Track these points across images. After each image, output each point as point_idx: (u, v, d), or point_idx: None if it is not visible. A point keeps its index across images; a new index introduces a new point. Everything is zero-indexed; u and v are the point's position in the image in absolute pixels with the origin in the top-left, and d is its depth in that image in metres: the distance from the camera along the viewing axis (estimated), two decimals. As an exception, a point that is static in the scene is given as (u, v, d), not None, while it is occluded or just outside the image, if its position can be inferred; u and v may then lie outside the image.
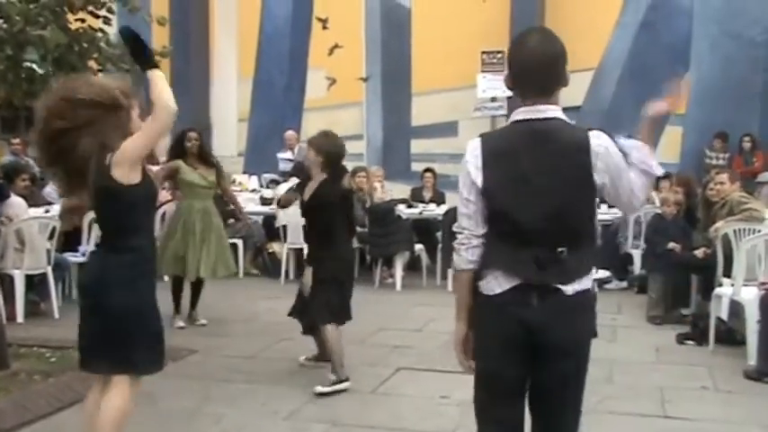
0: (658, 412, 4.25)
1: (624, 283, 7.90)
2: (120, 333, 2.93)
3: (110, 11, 4.94)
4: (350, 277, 4.82)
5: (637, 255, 7.87)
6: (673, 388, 4.65)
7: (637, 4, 11.28)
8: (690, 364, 5.20)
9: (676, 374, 4.97)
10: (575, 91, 11.24)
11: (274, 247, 8.61)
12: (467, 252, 2.37)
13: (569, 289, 2.29)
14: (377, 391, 4.60)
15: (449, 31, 11.35)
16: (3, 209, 6.44)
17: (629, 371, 4.99)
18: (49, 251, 6.30)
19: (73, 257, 6.68)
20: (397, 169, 11.42)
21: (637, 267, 7.86)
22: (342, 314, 4.67)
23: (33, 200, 7.06)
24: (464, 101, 11.24)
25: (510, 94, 2.57)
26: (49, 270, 6.30)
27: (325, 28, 9.76)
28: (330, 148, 4.72)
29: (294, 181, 6.19)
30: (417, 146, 11.99)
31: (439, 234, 8.17)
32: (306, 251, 5.24)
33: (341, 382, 4.50)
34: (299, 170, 6.37)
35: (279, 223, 8.28)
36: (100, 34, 4.83)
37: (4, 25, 4.40)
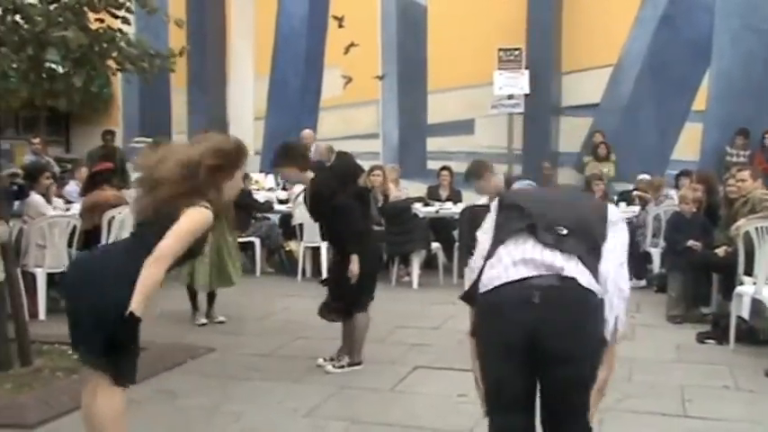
0: (679, 411, 4.21)
1: (643, 282, 7.84)
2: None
3: (128, 11, 4.98)
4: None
5: (656, 253, 7.81)
6: (693, 387, 4.61)
7: (656, -2, 11.16)
8: (711, 363, 5.15)
9: (697, 373, 4.93)
10: (592, 88, 11.23)
11: (291, 245, 8.64)
12: None
13: (570, 282, 2.27)
14: (395, 389, 4.61)
15: (465, 29, 11.30)
16: (23, 208, 6.53)
17: (649, 370, 4.95)
18: (69, 249, 6.36)
19: (92, 256, 6.73)
20: (413, 167, 11.41)
21: (656, 266, 7.80)
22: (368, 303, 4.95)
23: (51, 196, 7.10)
24: (480, 98, 11.19)
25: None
26: (70, 268, 6.36)
27: (341, 26, 9.74)
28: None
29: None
30: (433, 144, 11.96)
31: (455, 232, 8.15)
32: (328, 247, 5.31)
33: (357, 364, 4.84)
34: (317, 169, 6.38)
35: (295, 222, 8.31)
36: (119, 34, 4.86)
37: (26, 26, 4.45)
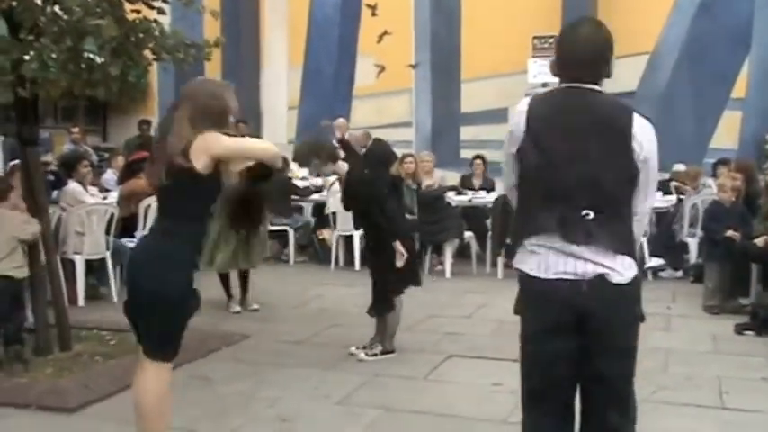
0: (716, 403, 4.16)
1: (679, 273, 7.73)
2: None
3: (164, 1, 5.03)
4: None
5: (693, 243, 7.69)
6: (731, 378, 4.54)
7: (694, -16, 10.94)
8: (749, 354, 5.07)
9: (734, 365, 4.85)
10: (629, 75, 11.02)
11: (324, 234, 8.68)
12: None
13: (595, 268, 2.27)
14: (428, 377, 4.62)
15: (499, 17, 11.19)
16: (60, 195, 6.67)
17: (685, 361, 4.89)
18: (107, 237, 6.48)
19: (130, 243, 6.85)
20: (446, 156, 11.34)
21: (693, 256, 7.68)
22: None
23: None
24: (514, 87, 11.05)
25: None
26: (108, 255, 6.49)
27: (374, 15, 9.72)
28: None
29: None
30: (467, 133, 11.88)
31: (488, 221, 8.12)
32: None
33: (389, 352, 4.88)
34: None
35: (329, 210, 8.34)
36: (154, 24, 4.91)
37: (65, 17, 4.51)
